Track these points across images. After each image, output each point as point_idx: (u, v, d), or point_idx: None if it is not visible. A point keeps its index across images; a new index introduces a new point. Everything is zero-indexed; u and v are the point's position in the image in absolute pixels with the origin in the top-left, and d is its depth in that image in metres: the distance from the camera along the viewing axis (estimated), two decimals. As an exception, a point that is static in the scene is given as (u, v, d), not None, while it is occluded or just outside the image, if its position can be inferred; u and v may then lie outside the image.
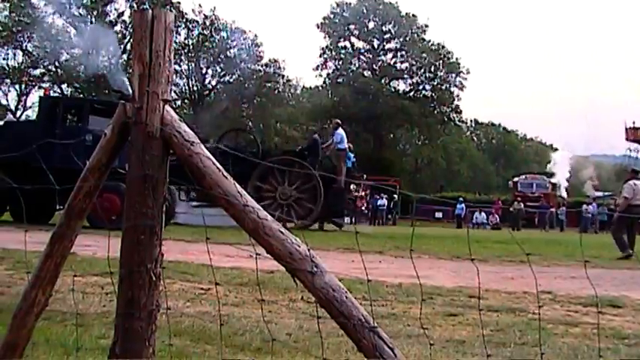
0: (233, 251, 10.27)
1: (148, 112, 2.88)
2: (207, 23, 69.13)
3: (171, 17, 3.00)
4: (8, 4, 64.41)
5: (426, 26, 72.47)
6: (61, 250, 3.19)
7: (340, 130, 26.16)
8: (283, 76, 72.80)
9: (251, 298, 8.47)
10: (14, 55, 66.82)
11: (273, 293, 8.74)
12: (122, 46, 65.78)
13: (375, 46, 73.64)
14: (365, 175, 23.26)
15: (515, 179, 57.64)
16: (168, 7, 65.81)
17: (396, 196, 49.33)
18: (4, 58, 66.95)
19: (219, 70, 70.78)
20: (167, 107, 2.92)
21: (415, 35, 72.14)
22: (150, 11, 2.96)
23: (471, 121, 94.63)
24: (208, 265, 10.59)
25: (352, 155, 28.15)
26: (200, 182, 2.87)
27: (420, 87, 73.11)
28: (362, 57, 74.59)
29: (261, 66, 70.46)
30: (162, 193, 2.90)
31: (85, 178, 3.09)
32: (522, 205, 47.55)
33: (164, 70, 2.92)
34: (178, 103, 68.91)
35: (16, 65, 66.46)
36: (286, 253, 2.74)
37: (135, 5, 66.58)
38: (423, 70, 71.97)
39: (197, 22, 69.12)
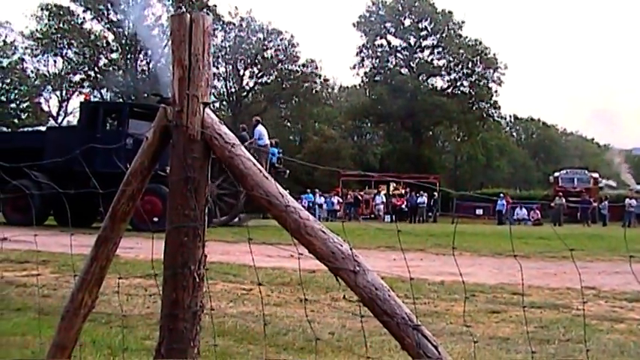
0: (274, 251, 10.32)
1: (189, 115, 2.91)
2: (244, 25, 69.44)
3: (209, 21, 3.02)
4: (47, 12, 65.26)
5: (463, 22, 72.11)
6: (106, 253, 3.23)
7: (260, 127, 26.48)
8: (320, 76, 72.92)
9: (293, 298, 8.50)
10: (54, 62, 67.71)
11: (315, 293, 8.76)
12: (160, 50, 66.38)
13: (412, 44, 73.33)
14: (288, 171, 23.55)
15: (556, 174, 56.83)
16: (205, 10, 66.34)
17: (436, 193, 49.10)
18: (44, 65, 67.85)
19: (256, 72, 71.07)
20: (207, 110, 2.94)
21: (452, 32, 71.72)
22: (188, 15, 2.98)
23: (510, 116, 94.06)
24: (250, 266, 10.65)
25: (277, 151, 28.53)
26: (241, 183, 2.89)
27: (458, 83, 72.64)
28: (399, 55, 74.31)
29: (298, 66, 70.63)
30: (205, 194, 2.93)
31: (128, 181, 3.13)
32: (564, 200, 47.03)
33: (203, 74, 2.95)
34: (217, 105, 69.31)
35: (57, 72, 67.28)
36: (328, 253, 2.74)
37: (172, 9, 67.12)
38: (460, 67, 71.51)
39: (233, 24, 69.50)
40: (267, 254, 11.82)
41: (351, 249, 2.75)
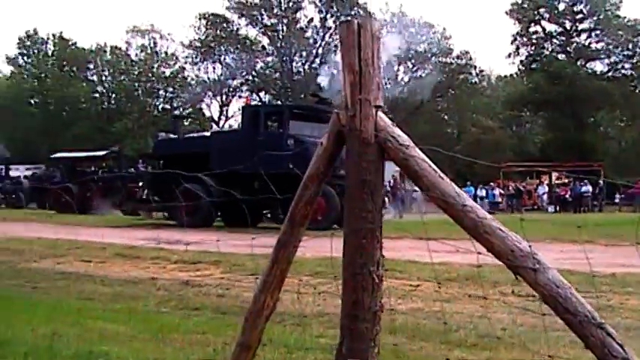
0: (438, 246, 10.28)
1: (362, 119, 2.95)
2: (395, 21, 69.48)
3: (376, 25, 3.05)
4: (205, 21, 67.60)
5: (620, 2, 69.23)
6: (286, 256, 3.33)
7: None
8: (475, 67, 72.03)
9: (461, 294, 8.46)
10: (213, 68, 70.09)
11: (482, 288, 8.69)
12: (314, 51, 67.41)
13: (568, 28, 71.06)
14: None
15: None
16: (355, 8, 66.94)
17: (600, 181, 47.51)
18: (204, 72, 70.35)
19: (410, 66, 70.93)
20: (380, 113, 2.98)
21: (609, 13, 69.00)
22: (355, 21, 3.03)
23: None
24: (416, 262, 10.67)
25: None
26: (417, 184, 2.92)
27: (619, 66, 69.87)
28: (555, 40, 72.19)
29: (452, 59, 70.03)
30: (381, 196, 2.97)
31: (305, 186, 3.21)
32: None
33: (374, 77, 2.98)
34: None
35: (216, 78, 69.56)
36: (507, 251, 2.73)
37: (323, 11, 68.10)
38: (620, 49, 68.70)
39: (385, 20, 69.60)
40: (431, 249, 11.78)
41: (530, 246, 2.73)
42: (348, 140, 3.00)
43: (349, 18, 3.19)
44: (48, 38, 74.45)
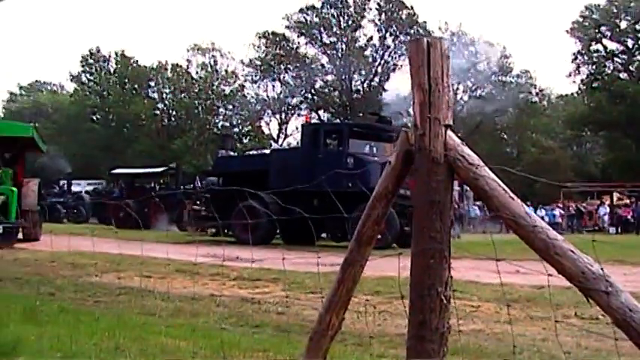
0: (499, 266, 10.16)
1: (431, 138, 2.94)
2: (455, 39, 69.20)
3: (445, 44, 3.05)
4: (265, 40, 68.26)
5: (685, 19, 67.97)
6: (352, 276, 3.32)
7: None
8: (535, 86, 71.35)
9: (523, 315, 8.35)
10: (273, 86, 70.71)
11: (544, 310, 8.57)
12: (373, 70, 67.48)
13: (630, 47, 69.86)
14: None
15: None
16: (415, 27, 66.91)
17: (664, 202, 46.54)
18: (263, 91, 70.99)
19: (469, 85, 70.56)
20: (449, 132, 2.97)
21: (673, 30, 67.87)
22: (425, 40, 3.02)
23: None
24: (475, 282, 10.56)
25: None
26: (487, 204, 2.89)
27: (685, 85, 68.55)
28: (616, 59, 71.03)
29: (512, 77, 69.49)
30: (449, 217, 2.94)
31: (373, 205, 3.20)
32: None
33: (444, 96, 2.97)
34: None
35: (275, 96, 70.13)
36: (578, 273, 2.68)
37: (382, 30, 68.18)
38: (684, 68, 67.51)
39: (445, 39, 69.35)
40: (491, 269, 11.67)
41: (602, 269, 2.68)
42: (417, 159, 2.99)
43: (418, 37, 3.19)
44: (110, 56, 76.05)
